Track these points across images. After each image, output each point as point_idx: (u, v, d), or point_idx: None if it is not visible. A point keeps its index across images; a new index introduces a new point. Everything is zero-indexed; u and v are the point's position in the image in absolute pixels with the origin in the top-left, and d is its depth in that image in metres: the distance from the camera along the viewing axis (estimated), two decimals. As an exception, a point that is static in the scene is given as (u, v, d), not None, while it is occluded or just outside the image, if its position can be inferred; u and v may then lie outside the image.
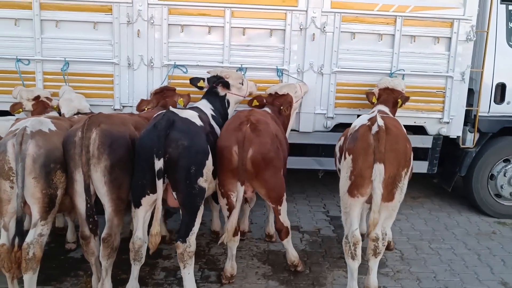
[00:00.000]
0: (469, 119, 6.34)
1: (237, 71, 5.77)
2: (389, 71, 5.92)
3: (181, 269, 3.86)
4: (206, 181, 3.88)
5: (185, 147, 3.66)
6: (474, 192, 6.56)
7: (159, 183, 3.65)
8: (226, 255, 4.86)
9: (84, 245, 3.91)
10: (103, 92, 5.88)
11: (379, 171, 3.73)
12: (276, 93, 5.31)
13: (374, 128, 3.82)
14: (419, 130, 6.28)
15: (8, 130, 3.83)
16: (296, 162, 6.21)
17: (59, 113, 5.23)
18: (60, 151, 3.75)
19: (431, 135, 6.21)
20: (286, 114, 5.28)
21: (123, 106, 5.90)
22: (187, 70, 5.84)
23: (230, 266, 4.48)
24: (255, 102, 5.25)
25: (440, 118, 6.11)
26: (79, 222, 3.92)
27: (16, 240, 3.58)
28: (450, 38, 5.91)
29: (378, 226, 3.92)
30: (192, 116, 3.99)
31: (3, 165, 3.56)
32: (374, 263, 4.03)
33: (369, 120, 3.98)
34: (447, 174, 6.73)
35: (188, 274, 3.87)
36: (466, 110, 6.21)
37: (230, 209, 4.20)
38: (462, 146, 6.31)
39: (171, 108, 3.95)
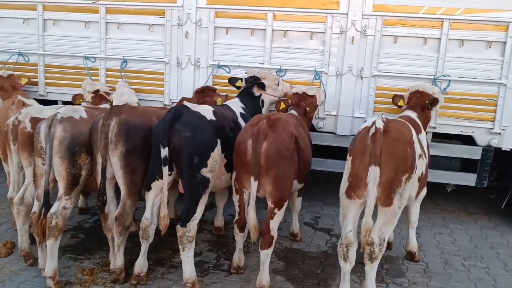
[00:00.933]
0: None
1: (276, 72, 5.98)
2: (433, 76, 5.68)
3: (181, 251, 4.14)
4: (211, 172, 4.12)
5: (187, 138, 3.95)
6: (531, 211, 6.01)
7: (165, 170, 3.99)
8: (248, 248, 5.10)
9: (102, 221, 4.38)
10: (155, 88, 6.44)
11: (373, 173, 3.68)
12: (304, 93, 5.39)
13: (372, 130, 3.78)
14: (470, 140, 5.93)
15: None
16: (333, 165, 6.22)
17: (111, 105, 5.86)
18: (86, 136, 4.26)
19: (480, 146, 5.82)
20: (309, 116, 5.34)
21: (172, 102, 6.39)
22: (230, 70, 6.16)
23: (237, 258, 4.66)
24: (282, 105, 5.37)
25: (491, 128, 5.72)
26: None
27: (43, 210, 4.15)
28: (504, 43, 5.52)
29: (375, 231, 3.85)
30: (204, 110, 4.26)
31: (37, 145, 4.18)
32: (370, 268, 3.95)
33: (373, 122, 3.93)
34: (503, 189, 6.23)
35: (187, 257, 4.13)
36: (524, 121, 5.73)
37: (241, 206, 4.35)
38: (516, 160, 5.82)
39: (185, 102, 4.28)
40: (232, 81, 5.71)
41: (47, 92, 6.80)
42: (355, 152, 3.88)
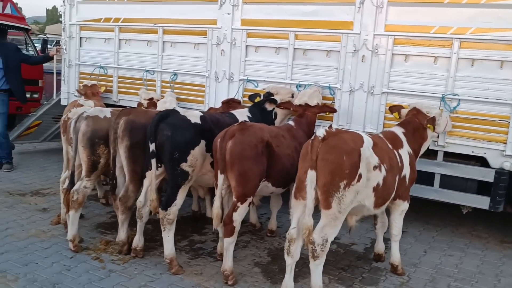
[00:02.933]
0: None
1: (296, 87, 6.52)
2: (441, 95, 5.70)
3: (162, 231, 4.93)
4: (190, 167, 4.86)
5: (168, 136, 4.76)
6: (553, 243, 5.57)
7: (153, 162, 4.86)
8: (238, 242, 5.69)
9: (113, 201, 5.40)
10: (198, 98, 7.42)
11: (310, 177, 4.08)
12: (306, 104, 5.82)
13: (312, 138, 4.19)
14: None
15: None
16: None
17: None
18: (105, 131, 5.32)
19: (493, 168, 5.63)
20: (310, 123, 5.75)
21: (210, 111, 7.28)
22: (257, 84, 6.86)
23: (220, 246, 5.28)
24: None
25: (503, 151, 5.50)
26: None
27: (69, 187, 5.32)
28: (518, 63, 5.33)
29: (317, 231, 4.20)
30: (191, 115, 5.02)
31: (68, 135, 5.38)
32: (314, 266, 4.27)
33: (318, 131, 4.32)
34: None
35: (167, 237, 4.91)
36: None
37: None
38: (531, 186, 5.49)
39: (176, 108, 5.12)
40: (252, 97, 6.35)
41: (119, 99, 8.21)
42: (300, 158, 4.32)
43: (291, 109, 5.91)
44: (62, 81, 8.83)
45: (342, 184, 4.11)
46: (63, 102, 8.81)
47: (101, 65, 8.27)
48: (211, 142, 5.00)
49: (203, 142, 4.97)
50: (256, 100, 6.30)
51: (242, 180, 4.66)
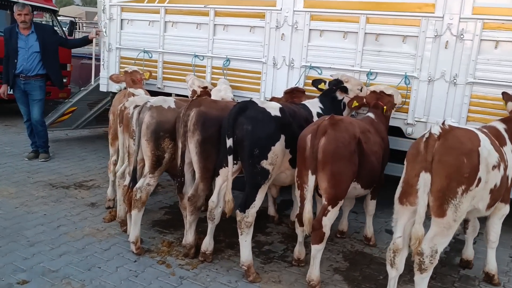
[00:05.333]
0: None
1: (367, 75, 5.99)
2: (539, 86, 5.16)
3: (239, 235, 4.48)
4: (271, 165, 4.38)
5: (248, 131, 4.27)
6: None
7: (230, 158, 4.38)
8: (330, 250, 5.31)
9: (180, 200, 4.94)
10: (252, 86, 6.88)
11: (424, 180, 3.59)
12: (382, 92, 5.33)
13: (426, 135, 3.68)
14: None
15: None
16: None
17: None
18: (171, 123, 4.84)
19: None
20: (387, 116, 5.26)
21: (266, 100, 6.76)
22: (321, 72, 6.31)
23: (298, 251, 4.83)
24: (355, 103, 5.38)
25: None
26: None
27: (131, 184, 4.86)
28: None
29: (427, 241, 3.73)
30: (270, 107, 4.52)
31: (130, 128, 4.89)
32: (419, 279, 3.81)
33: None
34: None
35: (245, 241, 4.46)
36: None
37: (301, 201, 4.45)
38: None
39: (254, 99, 4.61)
40: (316, 83, 5.85)
41: (164, 86, 7.70)
42: (408, 158, 3.83)
43: (365, 101, 5.41)
44: (102, 66, 8.32)
45: (460, 189, 3.61)
46: (102, 88, 8.34)
47: (145, 49, 7.74)
48: (290, 137, 4.53)
49: (283, 137, 4.49)
50: (320, 87, 5.79)
51: (335, 182, 4.18)
